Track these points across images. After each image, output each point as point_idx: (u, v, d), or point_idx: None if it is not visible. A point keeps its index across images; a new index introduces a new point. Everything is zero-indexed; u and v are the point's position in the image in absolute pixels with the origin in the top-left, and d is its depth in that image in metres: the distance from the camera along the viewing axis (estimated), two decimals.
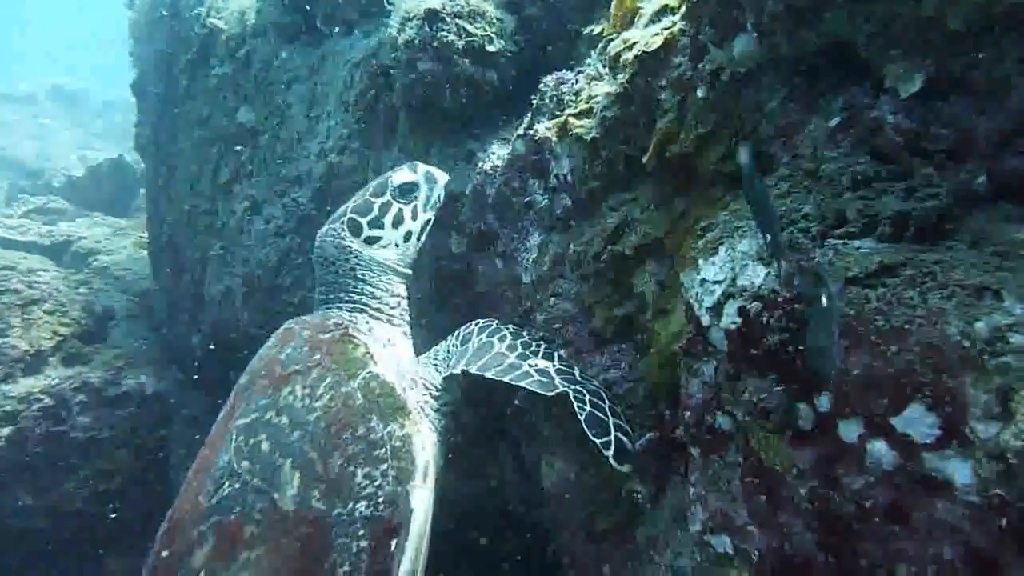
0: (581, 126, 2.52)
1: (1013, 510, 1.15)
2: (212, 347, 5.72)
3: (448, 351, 2.71)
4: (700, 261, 1.70)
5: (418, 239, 2.90)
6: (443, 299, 3.37)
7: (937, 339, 1.28)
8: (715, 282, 1.66)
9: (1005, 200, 1.41)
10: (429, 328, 3.53)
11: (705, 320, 1.67)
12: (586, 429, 2.11)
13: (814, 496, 1.44)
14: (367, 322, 2.74)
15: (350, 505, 2.18)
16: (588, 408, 2.16)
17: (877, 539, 1.34)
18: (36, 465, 5.22)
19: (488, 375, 2.38)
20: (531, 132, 2.72)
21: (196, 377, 6.27)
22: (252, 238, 4.89)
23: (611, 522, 2.16)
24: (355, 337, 2.57)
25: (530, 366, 2.38)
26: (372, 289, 2.80)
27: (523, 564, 3.39)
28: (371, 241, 2.81)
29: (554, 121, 2.63)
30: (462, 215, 3.18)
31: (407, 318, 2.89)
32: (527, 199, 2.85)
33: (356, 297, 2.80)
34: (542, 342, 2.59)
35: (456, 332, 2.76)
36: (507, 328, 2.65)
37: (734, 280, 1.61)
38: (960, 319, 1.27)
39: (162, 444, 5.93)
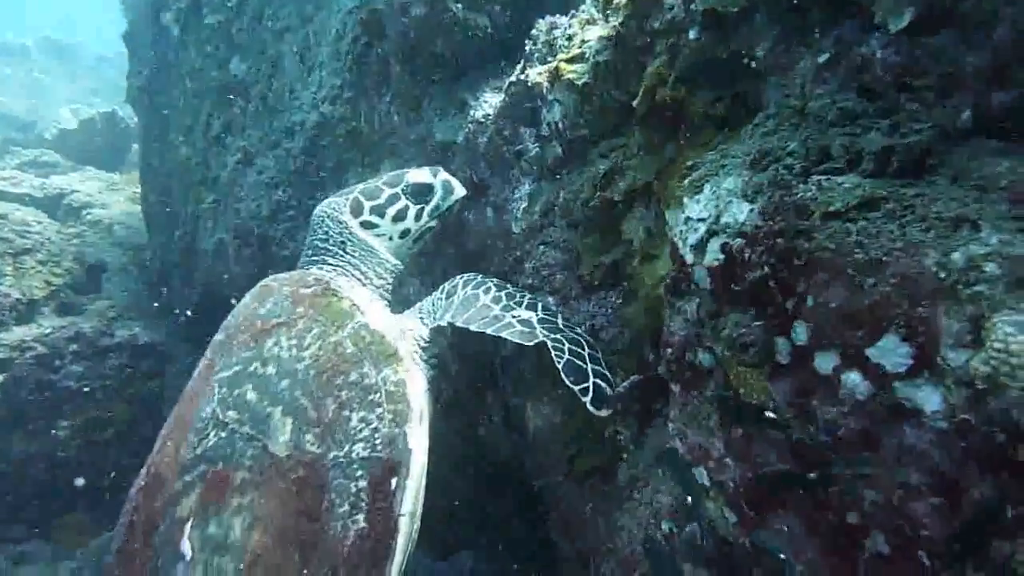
0: (573, 71, 2.50)
1: (978, 434, 1.18)
2: (203, 300, 5.74)
3: (433, 304, 2.69)
4: (685, 199, 1.71)
5: (414, 241, 2.86)
6: (434, 250, 3.37)
7: (914, 270, 1.29)
8: (699, 220, 1.66)
9: (988, 135, 1.41)
10: (421, 280, 3.54)
11: (689, 258, 1.68)
12: (563, 376, 2.12)
13: (788, 427, 1.47)
14: (348, 282, 2.72)
15: (346, 448, 2.17)
16: (567, 356, 2.18)
17: (847, 465, 1.36)
18: (30, 412, 5.27)
19: (473, 327, 2.38)
20: (523, 78, 2.69)
21: (188, 330, 6.30)
22: (244, 190, 4.87)
23: (594, 463, 2.20)
24: (338, 291, 2.56)
25: (513, 317, 2.38)
26: (357, 262, 2.79)
27: (515, 514, 3.45)
28: (367, 226, 2.78)
29: (546, 67, 2.60)
30: (454, 165, 3.16)
31: (388, 297, 2.87)
32: (518, 148, 2.84)
33: (340, 263, 2.79)
34: (527, 293, 2.58)
35: (441, 287, 2.74)
36: (492, 280, 2.64)
37: (718, 218, 1.62)
38: (937, 250, 1.28)
39: (155, 395, 5.98)
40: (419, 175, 2.79)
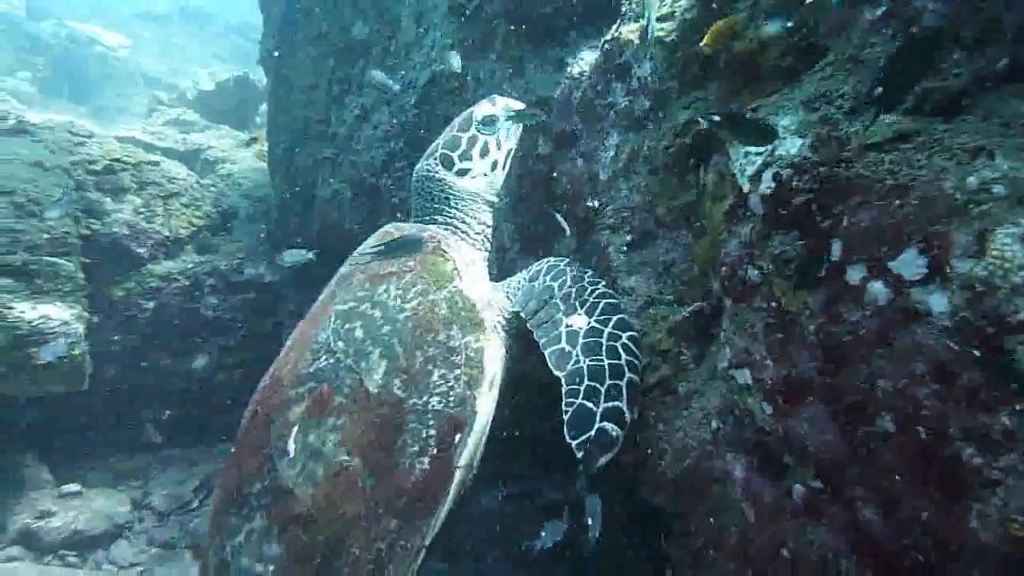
0: (662, 29, 2.72)
1: (972, 328, 1.39)
2: (318, 246, 6.32)
3: (519, 283, 2.93)
4: None
5: (503, 168, 3.18)
6: (527, 197, 3.69)
7: (934, 193, 1.50)
8: (757, 154, 1.90)
9: (1021, 80, 1.57)
10: (514, 224, 3.88)
11: (746, 187, 1.93)
12: (565, 431, 2.26)
13: (820, 331, 1.71)
14: (456, 241, 3.08)
15: (425, 398, 2.53)
16: (579, 401, 2.30)
17: (865, 361, 1.60)
18: (173, 335, 6.06)
19: (531, 328, 2.64)
20: (617, 35, 2.95)
21: (302, 273, 6.94)
22: (360, 143, 5.35)
23: (658, 376, 2.48)
24: (446, 252, 2.91)
25: (566, 327, 2.56)
26: (462, 215, 3.15)
27: None
28: (462, 173, 3.13)
29: (637, 24, 2.85)
30: (549, 118, 3.46)
31: (488, 245, 3.22)
32: (608, 101, 3.10)
33: (448, 220, 3.16)
34: (599, 283, 2.70)
35: (529, 267, 2.98)
36: (570, 271, 2.78)
37: (773, 151, 1.85)
38: (956, 175, 1.48)
39: (275, 330, 6.66)
40: (483, 109, 3.12)
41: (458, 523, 5.01)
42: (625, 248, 2.86)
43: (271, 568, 2.51)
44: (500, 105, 3.13)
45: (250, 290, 6.51)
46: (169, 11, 20.04)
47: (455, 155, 3.14)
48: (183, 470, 6.15)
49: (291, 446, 2.60)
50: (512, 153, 3.21)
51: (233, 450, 2.95)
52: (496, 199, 3.21)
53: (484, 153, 3.13)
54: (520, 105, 3.15)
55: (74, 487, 5.62)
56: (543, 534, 2.64)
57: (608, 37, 3.06)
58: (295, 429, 2.62)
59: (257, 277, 6.55)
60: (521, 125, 3.18)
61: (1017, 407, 1.31)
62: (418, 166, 3.26)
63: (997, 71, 1.61)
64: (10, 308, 4.79)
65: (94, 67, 14.77)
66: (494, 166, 3.16)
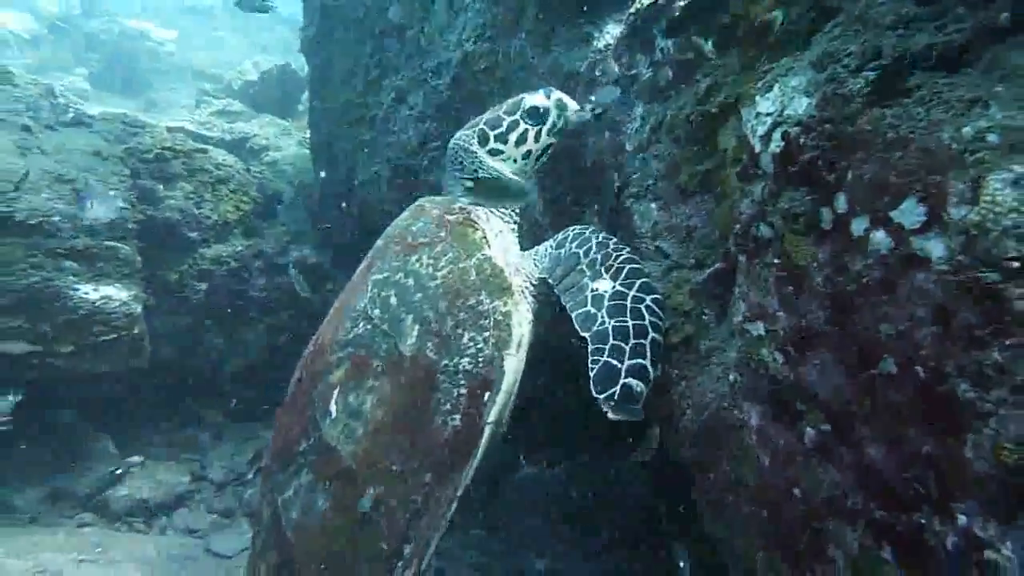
0: None
1: (967, 269, 1.46)
2: (359, 227, 6.54)
3: (546, 250, 3.02)
4: (757, 98, 2.02)
5: (537, 159, 3.20)
6: (556, 169, 3.78)
7: (932, 144, 1.56)
8: (767, 114, 1.97)
9: None
10: (541, 195, 3.98)
11: (757, 148, 2.00)
12: (591, 385, 2.37)
13: (827, 281, 1.79)
14: (485, 212, 3.19)
15: (456, 359, 2.68)
16: (604, 359, 2.40)
17: (870, 307, 1.68)
18: (224, 315, 6.35)
19: (559, 294, 2.75)
20: (640, 7, 3.01)
21: (345, 255, 7.17)
22: (397, 125, 5.51)
23: (681, 336, 2.57)
24: (475, 222, 3.05)
25: (591, 291, 2.65)
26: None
27: None
28: (493, 153, 3.19)
29: None
30: (577, 94, 3.54)
31: (516, 219, 3.31)
32: (633, 73, 3.17)
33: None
34: (624, 248, 2.79)
35: (555, 236, 3.05)
36: (595, 238, 2.86)
37: (782, 111, 1.93)
38: (952, 126, 1.54)
39: (319, 307, 6.91)
40: (534, 99, 3.12)
41: (498, 493, 5.20)
42: (649, 215, 2.94)
43: (318, 520, 2.71)
44: (553, 98, 3.13)
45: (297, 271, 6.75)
46: (213, 4, 20.59)
47: (492, 134, 3.18)
48: (238, 444, 6.45)
49: (333, 407, 2.80)
50: (551, 149, 3.22)
51: (281, 413, 3.16)
52: (525, 182, 3.29)
53: (520, 142, 3.15)
54: (574, 105, 3.16)
55: (137, 459, 5.97)
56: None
57: (632, 9, 3.13)
58: (336, 391, 2.82)
59: (302, 259, 6.79)
60: (569, 122, 3.16)
61: (1007, 343, 1.38)
62: (457, 134, 3.35)
63: (1001, 24, 1.65)
64: (75, 289, 5.10)
65: (145, 62, 15.33)
66: (527, 155, 3.18)
